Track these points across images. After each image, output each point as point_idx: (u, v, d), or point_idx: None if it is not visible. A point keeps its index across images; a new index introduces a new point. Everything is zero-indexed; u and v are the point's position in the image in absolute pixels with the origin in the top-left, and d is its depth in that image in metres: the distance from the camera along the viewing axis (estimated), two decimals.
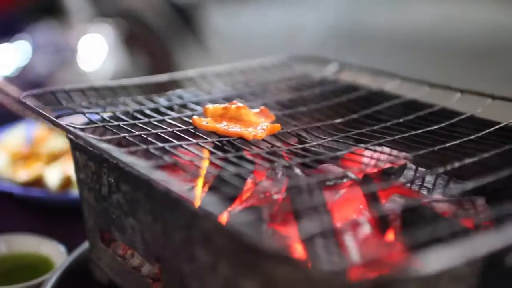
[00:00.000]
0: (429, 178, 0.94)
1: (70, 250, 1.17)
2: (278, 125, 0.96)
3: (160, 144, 0.87)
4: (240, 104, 0.99)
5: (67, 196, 1.41)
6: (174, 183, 0.75)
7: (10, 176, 1.50)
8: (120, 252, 0.98)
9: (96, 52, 3.37)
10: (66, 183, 1.43)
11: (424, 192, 0.92)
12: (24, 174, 1.48)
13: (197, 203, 0.76)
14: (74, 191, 1.42)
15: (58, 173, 1.45)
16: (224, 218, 0.76)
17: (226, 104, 1.00)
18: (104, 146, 0.83)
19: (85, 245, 1.11)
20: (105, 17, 3.61)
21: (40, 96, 1.07)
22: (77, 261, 1.09)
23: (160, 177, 0.76)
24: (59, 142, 1.58)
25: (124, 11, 3.93)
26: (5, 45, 3.09)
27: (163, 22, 3.96)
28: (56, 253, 1.18)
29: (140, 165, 0.77)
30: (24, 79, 3.01)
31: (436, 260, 0.59)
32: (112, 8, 3.90)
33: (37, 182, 1.46)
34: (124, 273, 0.96)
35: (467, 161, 0.84)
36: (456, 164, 0.83)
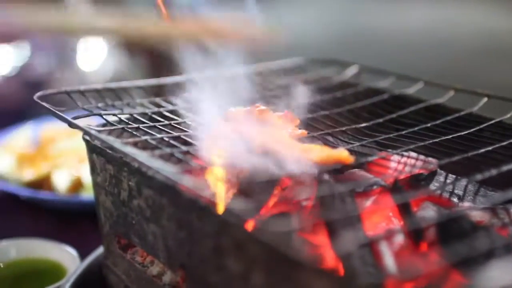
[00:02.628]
0: (459, 185, 0.91)
1: (81, 255, 1.14)
2: (304, 132, 0.93)
3: (185, 148, 0.84)
4: (263, 107, 0.97)
5: (78, 199, 1.38)
6: (203, 188, 0.73)
7: (17, 178, 1.46)
8: (139, 258, 0.95)
9: (95, 52, 3.34)
10: (75, 185, 1.40)
11: (455, 199, 0.89)
12: (29, 173, 1.45)
13: (226, 210, 0.73)
14: (85, 194, 1.39)
15: (67, 175, 1.42)
16: (253, 225, 0.73)
17: (249, 107, 0.97)
18: (128, 149, 0.80)
19: (99, 251, 1.08)
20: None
21: (53, 96, 1.04)
22: (91, 267, 1.06)
23: (189, 182, 0.73)
24: (67, 143, 1.55)
25: (124, 11, 3.90)
26: (4, 45, 3.06)
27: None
28: (68, 259, 1.15)
29: (168, 170, 0.74)
30: (23, 78, 2.98)
31: (490, 276, 0.57)
32: (112, 9, 3.87)
33: (46, 184, 1.43)
34: (143, 281, 0.93)
35: (505, 168, 0.81)
36: (494, 172, 0.80)
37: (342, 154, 0.83)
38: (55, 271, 1.14)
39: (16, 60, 3.05)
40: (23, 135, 1.65)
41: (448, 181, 0.92)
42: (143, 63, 3.84)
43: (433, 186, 0.91)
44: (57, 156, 1.50)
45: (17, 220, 1.42)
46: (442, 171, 0.93)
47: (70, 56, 3.28)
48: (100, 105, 1.02)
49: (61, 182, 1.40)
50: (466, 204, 0.88)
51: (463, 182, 0.90)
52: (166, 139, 0.88)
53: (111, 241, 0.98)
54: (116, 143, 0.82)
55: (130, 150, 0.80)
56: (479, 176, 0.80)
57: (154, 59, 3.86)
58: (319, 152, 0.83)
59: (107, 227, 0.98)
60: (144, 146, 0.89)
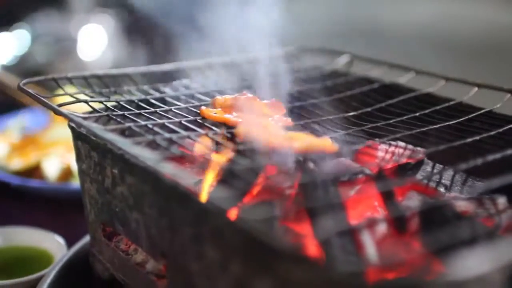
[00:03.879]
0: (446, 175, 0.90)
1: (69, 243, 1.13)
2: (289, 120, 0.93)
3: (167, 135, 0.84)
4: (250, 95, 0.96)
5: (67, 187, 1.37)
6: (183, 176, 0.72)
7: (7, 166, 1.46)
8: (123, 246, 0.94)
9: (96, 42, 3.33)
10: (65, 173, 1.40)
11: (442, 189, 0.88)
12: (18, 162, 1.45)
13: (207, 198, 0.72)
14: (75, 182, 1.39)
15: (57, 163, 1.41)
16: (235, 213, 0.72)
17: (236, 95, 0.96)
18: (110, 136, 0.79)
19: (86, 239, 1.07)
20: (105, 7, 3.57)
21: (42, 83, 1.04)
22: (77, 255, 1.06)
23: (169, 169, 0.72)
24: (59, 132, 1.54)
25: (125, 1, 3.89)
26: (4, 34, 3.06)
27: (164, 13, 3.92)
28: (56, 247, 1.15)
29: (148, 157, 0.73)
30: (23, 68, 2.98)
31: (467, 264, 0.56)
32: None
33: (36, 172, 1.42)
34: (127, 269, 0.92)
35: (490, 157, 0.80)
36: (479, 161, 0.79)
37: (325, 142, 0.82)
38: (42, 259, 1.14)
39: (16, 49, 3.04)
40: (16, 124, 1.64)
41: (435, 171, 0.91)
42: (144, 53, 3.83)
43: (420, 175, 0.90)
44: (48, 145, 1.49)
45: (7, 208, 1.41)
46: (430, 161, 0.92)
47: (71, 45, 3.28)
48: (87, 92, 1.02)
49: (51, 170, 1.40)
50: (453, 194, 0.87)
51: (451, 172, 0.89)
52: (150, 126, 0.87)
53: (96, 229, 0.98)
54: (97, 129, 0.81)
55: (111, 137, 0.79)
56: (463, 166, 0.79)
57: (155, 49, 3.86)
58: (303, 140, 0.82)
59: (93, 215, 0.98)
60: (131, 133, 0.88)
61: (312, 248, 0.70)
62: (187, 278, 0.79)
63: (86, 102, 0.97)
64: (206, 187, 0.79)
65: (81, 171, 0.98)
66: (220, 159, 0.80)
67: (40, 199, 1.40)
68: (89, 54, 3.28)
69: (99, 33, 3.34)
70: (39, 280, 1.01)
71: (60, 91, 1.01)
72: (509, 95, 1.01)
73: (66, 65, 3.19)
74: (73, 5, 3.44)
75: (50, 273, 1.00)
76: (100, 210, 0.95)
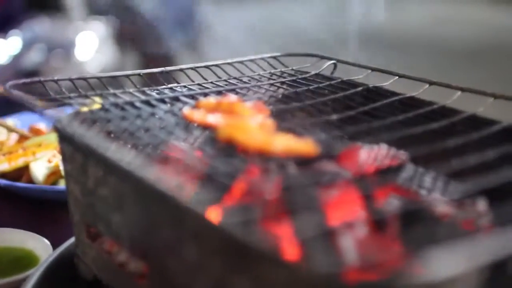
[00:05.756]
0: (428, 178, 0.91)
1: (56, 245, 1.14)
2: (272, 123, 0.93)
3: (149, 138, 0.84)
4: (233, 98, 0.96)
5: (54, 188, 1.38)
6: (162, 178, 0.72)
7: None
8: (106, 248, 0.94)
9: (89, 49, 3.34)
10: (54, 175, 1.40)
11: (423, 192, 0.89)
12: (5, 164, 1.45)
13: (185, 200, 0.73)
14: (63, 184, 1.39)
15: (45, 164, 1.41)
16: (213, 216, 0.72)
17: (219, 98, 0.97)
18: (90, 138, 0.80)
19: (71, 240, 1.07)
20: (98, 14, 3.59)
21: (28, 86, 1.04)
22: (62, 256, 1.06)
23: (148, 172, 0.72)
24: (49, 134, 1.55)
25: (118, 8, 3.90)
26: (0, 39, 3.07)
27: (156, 19, 3.94)
28: (41, 248, 1.15)
29: (127, 159, 0.74)
30: (17, 71, 3.00)
31: (441, 266, 0.56)
32: (106, 5, 3.88)
33: (25, 174, 1.43)
34: (110, 270, 0.93)
35: (470, 161, 0.81)
36: (458, 164, 0.80)
37: (306, 145, 0.83)
38: (28, 260, 1.14)
39: (10, 50, 3.05)
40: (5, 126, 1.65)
41: (417, 174, 0.92)
42: (136, 60, 3.85)
43: (402, 179, 0.91)
44: (37, 146, 1.49)
45: None
46: (411, 164, 0.93)
47: (65, 51, 3.29)
48: (72, 94, 1.03)
49: (39, 172, 1.40)
50: (433, 196, 0.88)
51: (433, 175, 0.90)
52: (132, 129, 0.88)
53: (80, 230, 0.98)
54: (79, 132, 0.82)
55: (92, 140, 0.80)
56: (442, 169, 0.80)
57: (148, 55, 3.88)
58: (284, 143, 0.83)
59: (77, 216, 0.98)
60: (115, 136, 0.89)
61: (291, 250, 0.71)
62: (167, 279, 0.79)
63: (70, 104, 0.98)
64: (186, 190, 0.80)
65: (66, 173, 0.99)
66: (200, 161, 0.80)
67: (28, 200, 1.40)
68: (83, 59, 3.29)
69: (92, 40, 3.36)
70: (23, 281, 1.01)
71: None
72: (492, 99, 1.02)
73: (61, 69, 3.21)
74: (68, 12, 3.46)
75: (35, 274, 1.01)
76: (84, 211, 0.95)
